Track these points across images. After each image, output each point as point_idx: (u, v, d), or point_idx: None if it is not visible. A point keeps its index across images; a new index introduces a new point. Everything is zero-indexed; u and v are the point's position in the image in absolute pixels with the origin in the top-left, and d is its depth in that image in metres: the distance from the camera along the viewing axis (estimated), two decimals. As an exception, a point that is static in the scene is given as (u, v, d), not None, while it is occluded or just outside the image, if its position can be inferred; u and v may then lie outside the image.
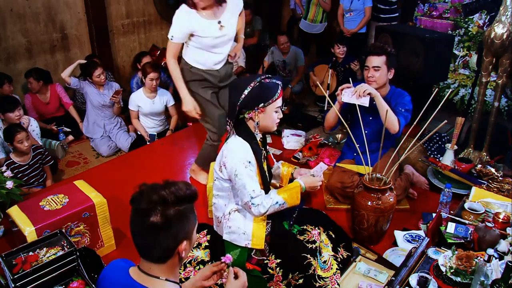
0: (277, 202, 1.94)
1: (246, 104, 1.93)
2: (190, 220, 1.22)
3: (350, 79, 2.64)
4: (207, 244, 2.15)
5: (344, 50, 4.77)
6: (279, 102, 1.96)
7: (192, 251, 2.14)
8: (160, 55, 5.17)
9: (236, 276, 1.49)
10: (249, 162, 1.91)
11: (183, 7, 2.38)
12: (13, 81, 4.10)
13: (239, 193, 1.94)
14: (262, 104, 1.92)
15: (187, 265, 2.08)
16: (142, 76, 3.90)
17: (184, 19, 2.41)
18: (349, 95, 2.48)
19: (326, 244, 2.17)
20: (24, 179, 3.07)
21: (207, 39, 2.45)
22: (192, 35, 2.46)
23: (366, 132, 2.65)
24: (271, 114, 1.96)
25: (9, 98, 3.49)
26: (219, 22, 2.41)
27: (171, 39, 2.52)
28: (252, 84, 1.91)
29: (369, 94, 2.43)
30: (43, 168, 3.27)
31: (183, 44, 2.60)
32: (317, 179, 2.07)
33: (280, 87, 1.96)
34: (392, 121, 2.47)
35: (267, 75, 1.99)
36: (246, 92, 1.91)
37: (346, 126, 2.55)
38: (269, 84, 1.94)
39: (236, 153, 1.92)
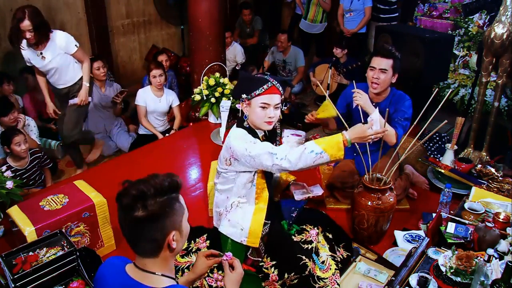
0: (312, 151, 1.73)
1: (234, 93, 2.01)
2: (175, 210, 1.22)
3: (353, 81, 2.63)
4: (206, 249, 2.15)
5: (343, 52, 4.80)
6: (265, 98, 1.90)
7: (191, 256, 2.14)
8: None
9: (232, 267, 1.51)
10: (254, 138, 1.92)
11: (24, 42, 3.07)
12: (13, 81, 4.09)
13: (265, 163, 1.83)
14: (245, 95, 1.93)
15: (185, 270, 2.08)
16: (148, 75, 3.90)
17: (23, 51, 3.15)
18: None
19: (323, 244, 2.17)
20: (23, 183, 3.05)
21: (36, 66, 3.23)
22: None
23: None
24: (255, 108, 1.93)
25: (3, 101, 3.43)
26: (41, 53, 3.11)
27: None
28: (240, 75, 1.97)
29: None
30: (43, 170, 3.26)
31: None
32: (365, 128, 1.77)
33: (269, 84, 1.90)
34: (390, 136, 2.47)
35: (264, 72, 2.00)
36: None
37: (347, 126, 2.55)
38: (255, 77, 1.95)
39: (238, 139, 1.93)
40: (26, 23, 2.91)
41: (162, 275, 1.24)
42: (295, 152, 1.77)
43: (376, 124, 1.90)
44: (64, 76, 3.25)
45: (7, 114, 3.25)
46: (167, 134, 4.00)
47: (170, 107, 4.03)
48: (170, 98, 3.97)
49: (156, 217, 1.17)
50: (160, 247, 1.22)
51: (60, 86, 3.31)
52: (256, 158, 1.85)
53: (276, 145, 2.12)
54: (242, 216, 2.00)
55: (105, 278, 1.30)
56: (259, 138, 2.00)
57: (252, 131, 1.99)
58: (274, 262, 2.02)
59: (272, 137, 2.11)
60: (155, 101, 3.88)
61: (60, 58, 3.16)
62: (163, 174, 1.23)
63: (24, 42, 3.04)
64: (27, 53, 3.12)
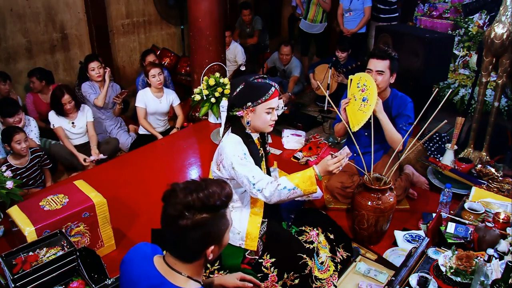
0: (285, 187, 1.80)
1: (235, 102, 1.93)
2: (220, 225, 1.20)
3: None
4: None
5: (344, 56, 4.81)
6: (271, 103, 1.90)
7: None
8: (160, 55, 5.17)
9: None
10: (245, 154, 1.90)
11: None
12: (13, 81, 4.09)
13: (244, 186, 1.89)
14: (250, 103, 1.89)
15: None
16: (146, 78, 3.88)
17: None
18: None
19: (324, 245, 2.16)
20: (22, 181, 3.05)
21: None
22: None
23: (366, 134, 2.65)
24: (261, 114, 1.91)
25: (10, 102, 3.44)
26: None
27: None
28: (244, 82, 1.91)
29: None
30: (43, 170, 3.26)
31: None
32: (329, 162, 1.83)
33: (273, 88, 1.89)
34: (395, 143, 2.48)
35: (262, 75, 1.98)
36: (238, 89, 1.92)
37: (347, 127, 2.55)
38: (260, 83, 1.91)
39: (229, 148, 1.91)
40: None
41: (188, 277, 1.23)
42: (271, 188, 1.81)
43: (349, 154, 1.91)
44: None
45: (13, 116, 3.27)
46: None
47: (171, 107, 4.02)
48: (171, 98, 3.97)
49: (200, 230, 1.16)
50: (197, 257, 1.21)
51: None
52: (238, 177, 1.88)
53: (265, 148, 2.13)
54: (238, 220, 2.00)
55: (132, 263, 1.31)
56: (254, 142, 2.00)
57: (248, 136, 1.97)
58: (273, 260, 2.01)
59: (263, 138, 2.12)
60: (155, 102, 3.87)
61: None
62: (216, 184, 1.19)
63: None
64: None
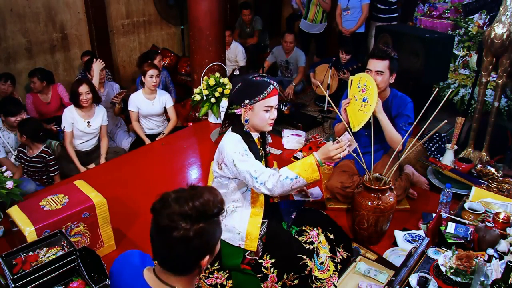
0: (287, 177, 1.78)
1: (233, 100, 1.95)
2: (216, 233, 1.17)
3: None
4: None
5: (348, 58, 4.82)
6: (269, 101, 1.90)
7: None
8: (160, 55, 5.16)
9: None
10: (245, 150, 1.90)
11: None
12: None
13: (246, 181, 1.88)
14: (248, 100, 1.89)
15: None
16: (142, 77, 3.87)
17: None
18: None
19: (324, 245, 2.16)
20: (25, 170, 3.24)
21: None
22: None
23: (366, 134, 2.65)
24: (259, 112, 1.91)
25: (12, 101, 3.48)
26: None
27: None
28: (243, 80, 1.93)
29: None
30: (48, 172, 3.30)
31: None
32: (330, 147, 1.83)
33: (271, 86, 1.90)
34: (395, 143, 2.47)
35: (261, 74, 1.98)
36: (236, 87, 1.93)
37: (347, 127, 2.55)
38: (257, 81, 1.91)
39: (230, 146, 1.91)
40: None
41: None
42: (273, 179, 1.80)
43: (354, 144, 1.95)
44: None
45: (15, 115, 3.31)
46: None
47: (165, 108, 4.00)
48: (163, 99, 3.91)
49: (198, 240, 1.11)
50: (192, 269, 1.17)
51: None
52: (240, 174, 1.88)
53: (265, 148, 2.13)
54: (238, 220, 2.00)
55: (121, 277, 1.28)
56: (254, 141, 2.00)
57: (248, 135, 1.98)
58: (273, 261, 2.01)
59: (264, 138, 2.13)
60: (147, 105, 3.84)
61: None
62: (208, 192, 1.14)
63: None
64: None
